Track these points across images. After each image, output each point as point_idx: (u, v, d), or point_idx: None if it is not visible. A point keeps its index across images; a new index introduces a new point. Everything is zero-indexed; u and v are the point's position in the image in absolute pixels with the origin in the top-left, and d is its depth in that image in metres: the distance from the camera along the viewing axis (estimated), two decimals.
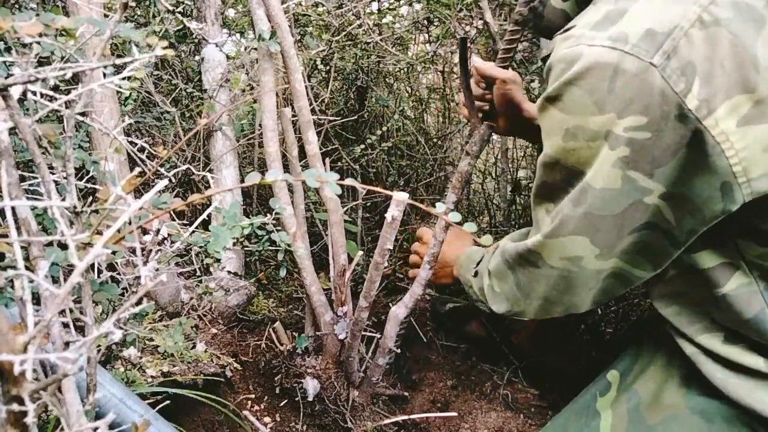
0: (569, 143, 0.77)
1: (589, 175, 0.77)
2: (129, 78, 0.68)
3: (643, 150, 0.71)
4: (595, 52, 0.71)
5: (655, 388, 0.93)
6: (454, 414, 1.25)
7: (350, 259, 1.26)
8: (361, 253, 1.31)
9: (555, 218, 0.84)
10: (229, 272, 1.51)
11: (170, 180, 1.69)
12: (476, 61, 1.11)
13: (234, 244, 0.80)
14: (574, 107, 0.74)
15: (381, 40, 1.93)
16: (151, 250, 0.74)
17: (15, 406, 0.38)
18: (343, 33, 1.87)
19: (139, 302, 1.06)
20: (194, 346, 1.27)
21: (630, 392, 0.95)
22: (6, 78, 0.51)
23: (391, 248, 1.02)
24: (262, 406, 1.28)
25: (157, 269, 0.74)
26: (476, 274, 1.09)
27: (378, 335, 1.32)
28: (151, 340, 1.19)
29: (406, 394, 1.32)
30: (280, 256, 0.93)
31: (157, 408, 0.87)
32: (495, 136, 2.21)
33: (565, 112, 0.76)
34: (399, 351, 1.45)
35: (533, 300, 0.94)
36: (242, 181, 1.57)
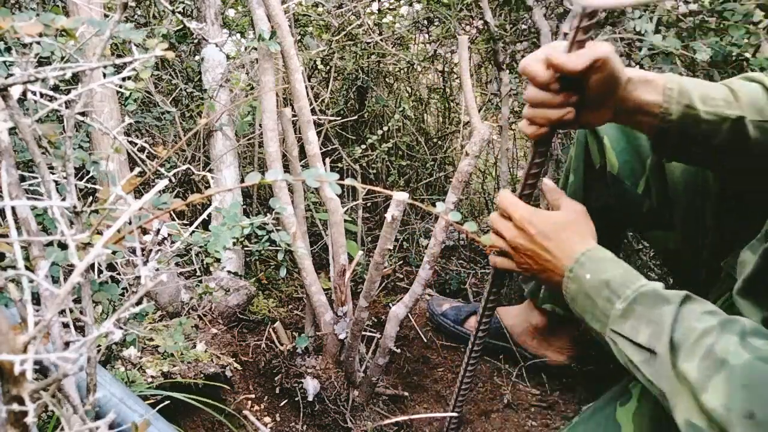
0: None
1: None
2: (133, 78, 0.68)
3: None
4: None
5: None
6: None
7: (350, 259, 1.26)
8: (361, 253, 1.31)
9: None
10: (229, 272, 1.51)
11: (170, 180, 1.68)
12: (552, 54, 0.75)
13: (234, 244, 0.80)
14: None
15: (381, 39, 1.93)
16: (151, 250, 0.74)
17: (15, 406, 0.38)
18: (343, 33, 1.87)
19: (139, 302, 1.06)
20: (194, 346, 1.27)
21: (652, 404, 0.86)
22: (6, 78, 0.51)
23: (391, 248, 1.02)
24: (262, 406, 1.28)
25: (157, 269, 0.74)
26: (641, 346, 0.74)
27: (378, 335, 1.32)
28: (151, 340, 1.19)
29: (406, 394, 1.32)
30: (280, 256, 0.92)
31: (157, 408, 0.87)
32: (495, 136, 2.22)
33: None
34: (399, 351, 1.45)
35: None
36: (242, 180, 1.57)
